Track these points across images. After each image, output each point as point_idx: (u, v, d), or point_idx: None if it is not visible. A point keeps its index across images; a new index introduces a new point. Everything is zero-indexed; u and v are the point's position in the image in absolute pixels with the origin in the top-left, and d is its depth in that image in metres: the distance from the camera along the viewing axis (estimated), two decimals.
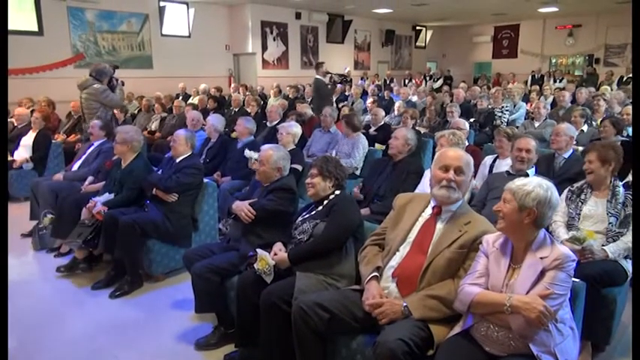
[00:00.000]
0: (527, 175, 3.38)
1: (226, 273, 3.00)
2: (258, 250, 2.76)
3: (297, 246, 2.79)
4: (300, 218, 2.94)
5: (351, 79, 10.58)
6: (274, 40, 14.80)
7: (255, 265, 2.72)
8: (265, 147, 3.50)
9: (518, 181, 2.05)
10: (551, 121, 6.22)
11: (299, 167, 4.61)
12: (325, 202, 2.89)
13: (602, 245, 2.87)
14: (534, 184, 2.02)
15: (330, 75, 8.91)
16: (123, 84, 6.39)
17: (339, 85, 12.15)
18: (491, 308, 1.96)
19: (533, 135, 4.89)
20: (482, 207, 3.48)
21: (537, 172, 3.60)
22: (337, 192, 2.92)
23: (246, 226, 3.19)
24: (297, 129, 5.02)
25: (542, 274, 1.93)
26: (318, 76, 8.46)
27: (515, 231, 2.02)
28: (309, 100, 10.66)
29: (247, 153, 4.69)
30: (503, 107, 7.82)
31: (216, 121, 5.64)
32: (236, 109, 9.08)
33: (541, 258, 1.96)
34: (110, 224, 3.80)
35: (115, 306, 3.65)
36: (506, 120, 7.65)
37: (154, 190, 3.93)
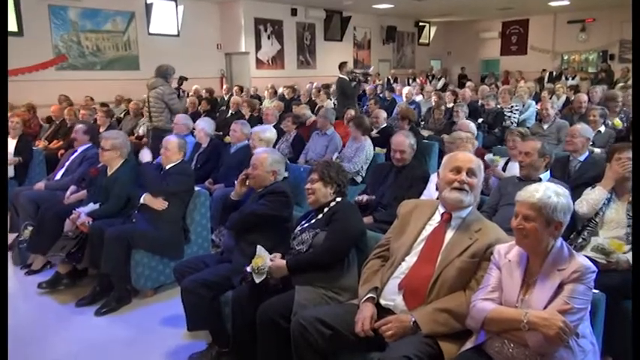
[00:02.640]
0: (539, 181, 3.38)
1: (219, 287, 2.98)
2: (259, 247, 2.75)
3: (292, 259, 2.78)
4: (298, 227, 2.93)
5: (364, 80, 10.69)
6: (269, 38, 14.83)
7: (250, 267, 2.70)
8: (259, 150, 3.51)
9: (537, 193, 1.98)
10: (563, 122, 6.23)
11: (285, 174, 4.60)
12: (325, 209, 2.88)
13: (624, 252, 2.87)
14: (552, 192, 1.99)
15: (354, 74, 9.18)
16: (188, 95, 7.02)
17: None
18: (506, 325, 1.94)
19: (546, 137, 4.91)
20: (494, 213, 3.47)
21: (552, 176, 3.58)
22: (338, 199, 2.92)
23: (240, 235, 3.18)
24: (270, 134, 4.95)
25: (561, 287, 1.92)
26: (341, 76, 8.67)
27: (538, 245, 2.00)
28: (306, 101, 10.69)
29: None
30: (512, 107, 7.83)
31: (206, 124, 5.63)
32: (233, 112, 9.07)
33: (559, 270, 1.94)
34: (95, 236, 3.78)
35: (101, 324, 3.63)
36: (516, 120, 7.66)
37: (142, 198, 3.92)
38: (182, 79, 6.82)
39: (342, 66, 8.85)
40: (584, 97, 7.19)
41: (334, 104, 9.18)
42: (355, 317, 2.28)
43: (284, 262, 2.73)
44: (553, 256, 1.98)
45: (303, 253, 2.77)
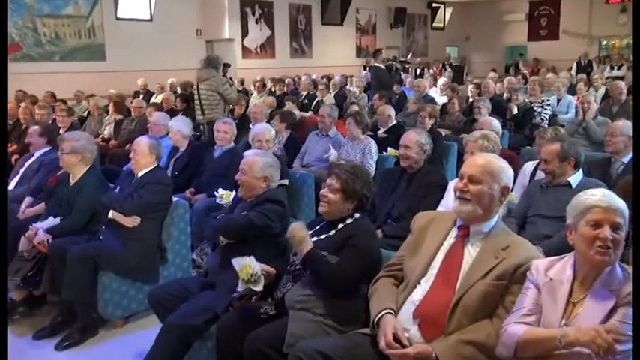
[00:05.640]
0: (568, 185, 3.39)
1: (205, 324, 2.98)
2: (234, 260, 2.71)
3: (295, 276, 2.78)
4: None
5: (402, 68, 10.97)
6: (257, 22, 14.89)
7: (241, 282, 2.68)
8: (248, 152, 3.51)
9: (610, 199, 2.02)
10: (603, 118, 6.26)
11: (285, 182, 4.62)
12: (340, 225, 2.84)
13: None
14: (616, 196, 2.05)
15: (390, 62, 9.82)
16: (242, 84, 7.71)
17: (338, 77, 12.24)
18: (542, 348, 1.95)
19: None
20: (522, 224, 3.46)
21: (585, 176, 3.58)
22: (357, 215, 2.88)
23: (229, 254, 3.17)
24: (273, 132, 5.12)
25: (613, 310, 1.93)
26: (377, 64, 9.29)
27: (616, 260, 2.02)
28: (304, 95, 10.74)
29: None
30: (543, 101, 7.85)
31: (181, 125, 5.63)
32: None
33: (611, 290, 1.96)
34: (56, 256, 3.78)
35: (63, 359, 3.61)
36: (547, 117, 7.68)
37: (111, 213, 3.92)
38: (226, 67, 7.30)
39: (377, 53, 9.50)
40: (621, 83, 7.35)
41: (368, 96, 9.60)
42: (378, 336, 2.26)
43: (310, 245, 2.69)
44: (606, 274, 2.00)
45: (307, 274, 2.76)
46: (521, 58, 17.77)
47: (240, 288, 2.69)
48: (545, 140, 3.81)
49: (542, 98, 7.94)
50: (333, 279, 2.64)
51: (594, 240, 1.97)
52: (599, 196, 2.04)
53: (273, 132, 5.05)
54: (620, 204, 2.02)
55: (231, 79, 7.52)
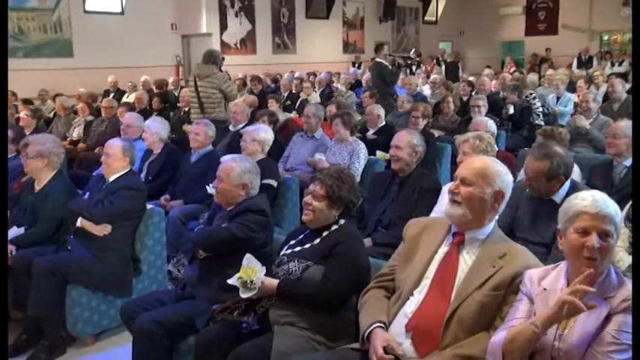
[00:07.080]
0: (553, 203, 3.27)
1: (179, 331, 2.98)
2: (249, 256, 2.70)
3: (287, 282, 2.76)
4: (285, 249, 2.93)
5: (405, 64, 11.04)
6: (237, 16, 14.89)
7: (238, 277, 2.65)
8: (225, 158, 3.48)
9: (600, 204, 2.03)
10: (605, 118, 6.33)
11: (273, 183, 4.61)
12: (325, 233, 2.86)
13: None
14: (609, 201, 2.06)
15: (392, 57, 9.93)
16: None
17: (324, 75, 12.29)
18: (526, 341, 1.98)
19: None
20: (510, 234, 3.38)
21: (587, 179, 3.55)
22: (342, 221, 2.91)
23: (208, 265, 3.19)
24: (266, 134, 5.01)
25: (608, 319, 1.95)
26: (379, 59, 9.36)
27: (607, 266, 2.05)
28: (286, 94, 10.73)
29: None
30: (527, 96, 7.97)
31: (158, 126, 5.59)
32: (185, 110, 9.03)
33: (605, 299, 1.98)
34: (20, 269, 3.76)
35: None
36: (540, 112, 7.76)
37: (79, 220, 3.90)
38: (222, 60, 7.47)
39: (378, 48, 9.63)
40: (615, 80, 7.50)
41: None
42: (370, 353, 2.27)
43: (276, 282, 2.71)
44: (600, 282, 2.02)
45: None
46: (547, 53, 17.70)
47: (231, 281, 2.66)
48: (533, 151, 3.59)
49: (527, 93, 8.06)
50: (320, 294, 2.66)
51: (582, 248, 2.00)
52: (589, 201, 2.05)
53: (264, 134, 4.98)
54: (612, 210, 2.04)
55: (227, 73, 7.52)
